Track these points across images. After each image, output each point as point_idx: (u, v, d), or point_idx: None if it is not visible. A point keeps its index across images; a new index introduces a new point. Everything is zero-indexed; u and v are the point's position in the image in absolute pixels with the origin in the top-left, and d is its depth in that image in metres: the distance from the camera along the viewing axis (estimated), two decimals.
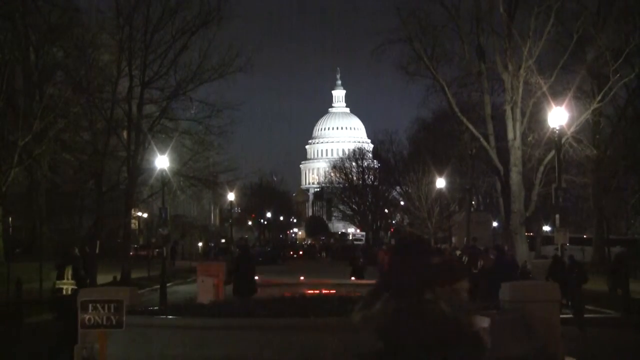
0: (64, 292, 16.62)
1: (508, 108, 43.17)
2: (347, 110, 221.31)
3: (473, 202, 71.01)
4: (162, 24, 44.19)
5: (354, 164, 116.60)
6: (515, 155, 43.10)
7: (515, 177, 43.21)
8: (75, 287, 16.43)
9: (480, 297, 21.39)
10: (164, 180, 39.06)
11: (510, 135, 43.34)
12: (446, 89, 46.24)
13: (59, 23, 43.51)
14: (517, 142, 42.84)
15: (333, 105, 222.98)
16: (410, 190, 72.51)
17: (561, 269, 25.07)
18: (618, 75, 41.77)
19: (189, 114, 47.22)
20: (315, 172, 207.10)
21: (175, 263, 60.33)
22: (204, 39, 44.96)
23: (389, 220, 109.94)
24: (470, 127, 46.24)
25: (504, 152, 45.61)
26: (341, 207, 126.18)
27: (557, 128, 27.51)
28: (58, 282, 17.02)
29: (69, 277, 16.86)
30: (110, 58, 44.91)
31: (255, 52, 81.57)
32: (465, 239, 52.85)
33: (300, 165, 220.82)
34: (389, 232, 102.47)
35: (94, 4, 53.13)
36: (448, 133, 56.43)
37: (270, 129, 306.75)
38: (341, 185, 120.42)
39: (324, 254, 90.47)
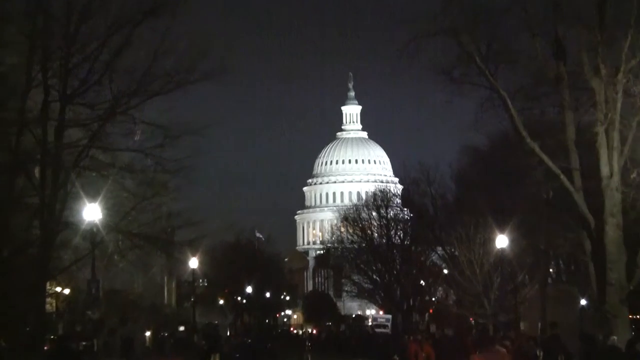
0: None
1: (601, 130, 43.15)
2: (364, 134, 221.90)
3: (551, 270, 70.73)
4: (92, 11, 44.40)
5: (374, 214, 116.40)
6: (612, 201, 42.98)
7: (612, 232, 43.06)
8: None
9: None
10: (94, 239, 38.92)
11: (604, 171, 43.27)
12: (509, 102, 46.20)
13: None
14: (615, 181, 42.75)
15: (343, 127, 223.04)
16: (457, 253, 72.36)
17: None
18: None
19: (132, 142, 47.26)
20: (317, 225, 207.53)
21: None
22: (154, 33, 45.17)
23: (427, 297, 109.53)
24: (545, 158, 46.14)
25: (595, 196, 45.51)
26: (356, 277, 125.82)
27: None
28: None
29: None
30: (16, 61, 45.09)
31: (228, 51, 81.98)
32: (539, 324, 52.58)
33: (296, 217, 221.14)
34: (427, 314, 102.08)
35: None
36: (512, 168, 56.33)
37: (251, 165, 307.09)
38: (356, 246, 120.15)
39: None
